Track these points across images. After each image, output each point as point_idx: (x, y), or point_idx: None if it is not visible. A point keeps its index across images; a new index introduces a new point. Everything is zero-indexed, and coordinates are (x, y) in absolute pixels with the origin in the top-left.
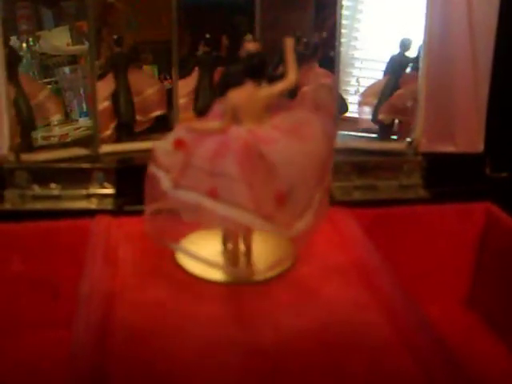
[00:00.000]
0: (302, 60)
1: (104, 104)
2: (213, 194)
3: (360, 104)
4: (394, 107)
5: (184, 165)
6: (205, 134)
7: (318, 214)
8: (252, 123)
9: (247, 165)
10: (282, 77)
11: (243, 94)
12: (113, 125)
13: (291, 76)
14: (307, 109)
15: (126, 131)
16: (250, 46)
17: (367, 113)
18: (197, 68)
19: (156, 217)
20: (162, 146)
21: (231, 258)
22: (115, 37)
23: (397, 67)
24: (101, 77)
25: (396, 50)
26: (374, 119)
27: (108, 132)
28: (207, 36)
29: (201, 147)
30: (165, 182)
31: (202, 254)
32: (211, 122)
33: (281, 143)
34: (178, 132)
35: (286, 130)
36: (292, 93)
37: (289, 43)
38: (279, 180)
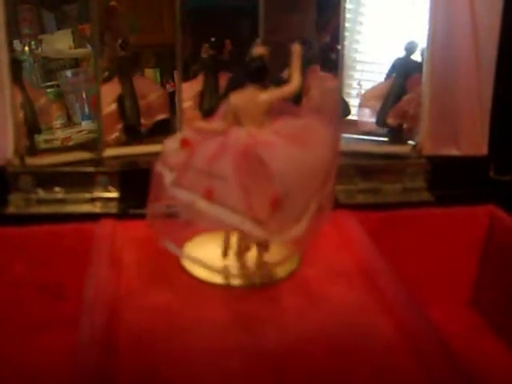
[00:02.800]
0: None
1: (110, 107)
2: (208, 195)
3: (361, 106)
4: (403, 111)
5: (185, 164)
6: (207, 134)
7: (317, 219)
8: (252, 126)
9: (243, 167)
10: (287, 81)
11: (244, 97)
12: (119, 127)
13: (295, 82)
14: (312, 114)
15: (130, 134)
16: (260, 49)
17: (367, 115)
18: (202, 71)
19: (160, 218)
20: (170, 144)
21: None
22: (120, 41)
23: (402, 70)
24: (105, 81)
25: (400, 53)
26: (380, 122)
27: (116, 134)
28: (212, 39)
29: (202, 148)
30: (167, 179)
31: (206, 258)
32: (214, 123)
33: (280, 148)
34: (186, 131)
35: (287, 136)
36: (297, 98)
37: (296, 49)
38: (275, 185)
